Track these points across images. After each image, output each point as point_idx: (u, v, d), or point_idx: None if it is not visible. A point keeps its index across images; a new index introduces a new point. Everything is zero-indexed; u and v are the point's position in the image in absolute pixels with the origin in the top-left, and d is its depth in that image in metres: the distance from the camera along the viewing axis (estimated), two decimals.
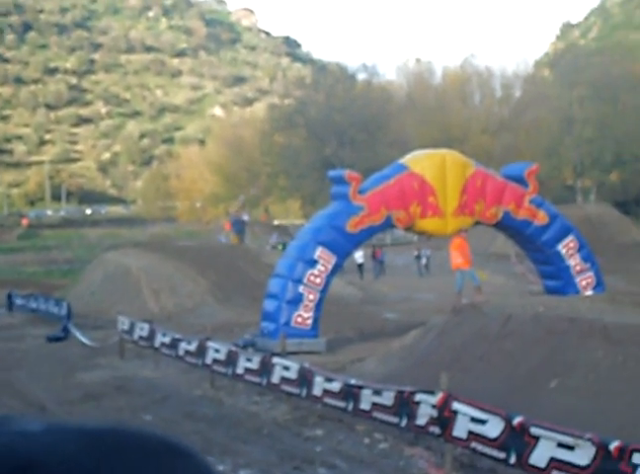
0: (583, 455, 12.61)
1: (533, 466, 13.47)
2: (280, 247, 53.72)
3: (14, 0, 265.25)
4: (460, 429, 15.06)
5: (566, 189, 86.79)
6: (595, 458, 12.44)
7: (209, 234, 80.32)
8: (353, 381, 19.29)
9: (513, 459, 13.92)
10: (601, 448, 12.33)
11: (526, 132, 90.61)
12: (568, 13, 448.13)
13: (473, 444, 14.83)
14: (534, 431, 13.52)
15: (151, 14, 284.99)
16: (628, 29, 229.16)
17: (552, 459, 13.16)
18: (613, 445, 12.17)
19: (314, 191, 76.76)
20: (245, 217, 78.56)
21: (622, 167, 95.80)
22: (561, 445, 13.04)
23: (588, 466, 12.55)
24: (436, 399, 15.65)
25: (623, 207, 78.22)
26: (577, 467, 12.72)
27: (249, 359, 23.34)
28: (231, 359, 23.91)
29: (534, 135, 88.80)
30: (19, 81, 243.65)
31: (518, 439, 13.76)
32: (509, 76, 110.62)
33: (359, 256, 42.95)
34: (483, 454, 14.69)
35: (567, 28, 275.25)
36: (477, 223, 32.33)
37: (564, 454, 12.97)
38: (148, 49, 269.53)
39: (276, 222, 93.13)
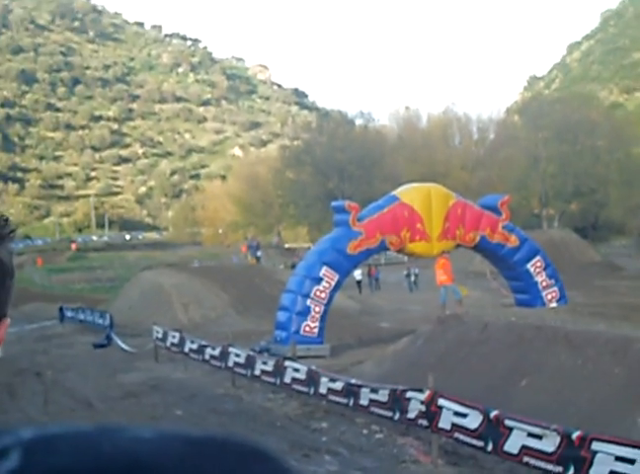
0: (549, 443, 12.58)
1: (507, 453, 13.44)
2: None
3: (64, 59, 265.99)
4: (445, 421, 15.03)
5: (533, 216, 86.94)
6: (559, 446, 12.41)
7: (230, 256, 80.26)
8: (353, 381, 19.26)
9: (490, 447, 13.89)
10: (565, 437, 12.29)
11: (499, 168, 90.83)
12: (534, 67, 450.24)
13: (456, 435, 14.80)
14: (508, 422, 13.50)
15: (180, 70, 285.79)
16: (585, 81, 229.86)
17: (523, 447, 13.13)
18: (575, 435, 12.13)
19: (319, 218, 76.77)
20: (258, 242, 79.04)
21: (581, 198, 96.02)
22: (531, 435, 13.01)
23: (554, 453, 12.51)
24: (424, 396, 15.61)
25: (582, 232, 78.32)
26: (544, 454, 12.68)
27: (265, 363, 23.33)
28: (249, 363, 23.90)
29: (506, 171, 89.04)
30: (69, 127, 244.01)
31: (494, 430, 13.74)
32: (484, 121, 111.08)
33: (357, 274, 42.84)
34: (464, 443, 14.66)
35: (533, 80, 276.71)
36: (458, 246, 32.37)
37: (533, 443, 12.94)
38: (178, 99, 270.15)
39: (286, 246, 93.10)
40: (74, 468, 0.29)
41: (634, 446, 11.20)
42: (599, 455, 11.72)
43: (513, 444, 13.37)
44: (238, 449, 0.34)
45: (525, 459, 13.14)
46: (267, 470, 0.33)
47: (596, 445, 11.82)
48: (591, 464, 11.82)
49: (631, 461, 11.14)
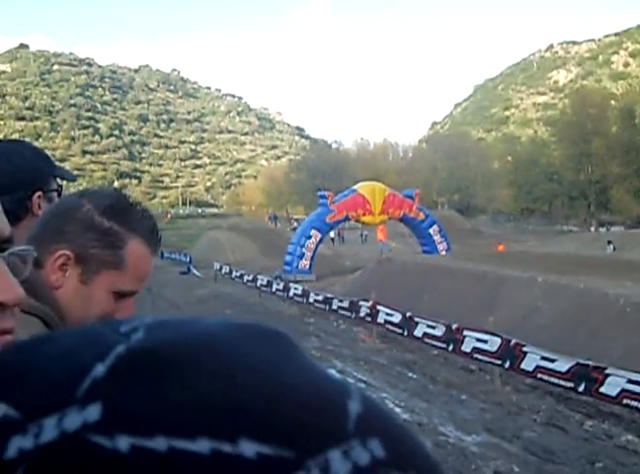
0: (440, 331, 12.73)
1: (416, 337, 13.59)
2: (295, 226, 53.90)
3: (164, 108, 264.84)
4: (381, 318, 15.16)
5: (433, 202, 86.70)
6: (445, 332, 12.57)
7: (259, 223, 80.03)
8: (329, 295, 19.39)
9: (405, 333, 14.04)
10: (448, 328, 12.45)
11: (415, 174, 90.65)
12: (435, 116, 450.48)
13: (387, 326, 14.94)
14: (417, 319, 13.64)
15: (231, 114, 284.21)
16: (464, 125, 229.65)
17: (425, 333, 13.29)
18: (454, 326, 12.29)
19: (311, 201, 76.50)
20: (277, 215, 79.35)
21: (460, 192, 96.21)
22: (429, 326, 13.16)
23: (442, 336, 12.67)
24: (369, 304, 15.75)
25: (460, 212, 78.21)
26: (436, 337, 12.85)
27: (278, 284, 23.45)
28: (269, 284, 24.02)
29: (418, 175, 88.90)
30: (167, 147, 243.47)
31: (408, 323, 13.87)
32: (406, 146, 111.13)
33: (331, 233, 42.62)
34: (392, 331, 14.80)
35: (434, 124, 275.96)
36: (390, 218, 32.39)
37: (430, 330, 13.09)
38: (230, 132, 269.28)
39: (291, 217, 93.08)
40: (174, 337, 0.30)
41: (486, 332, 11.36)
42: (467, 338, 11.89)
43: (419, 331, 13.52)
44: (268, 330, 0.36)
45: (426, 340, 13.29)
46: (286, 343, 0.34)
47: (465, 332, 11.99)
48: (462, 342, 11.99)
49: (485, 341, 11.31)
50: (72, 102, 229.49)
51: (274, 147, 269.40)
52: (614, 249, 34.07)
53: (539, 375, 10.08)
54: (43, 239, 1.19)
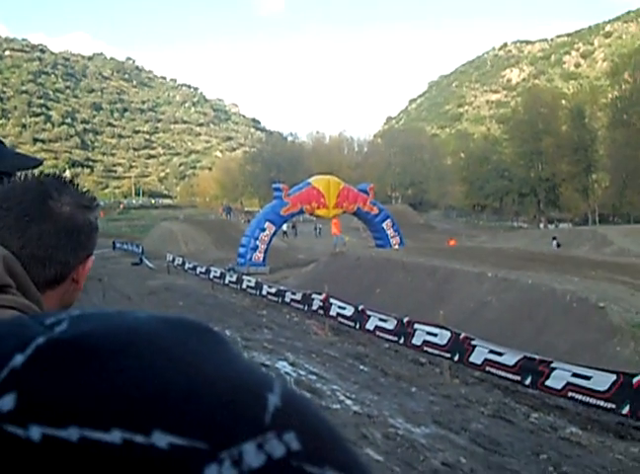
0: (391, 324, 12.81)
1: (368, 330, 13.67)
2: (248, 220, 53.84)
3: (118, 96, 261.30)
4: (333, 311, 15.20)
5: (387, 197, 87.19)
6: (396, 326, 12.66)
7: (213, 214, 79.54)
8: (282, 288, 19.37)
9: (357, 326, 14.11)
10: (399, 321, 12.53)
11: (369, 169, 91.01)
12: (390, 111, 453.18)
13: (339, 319, 14.99)
14: (368, 312, 13.71)
15: (187, 104, 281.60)
16: (418, 121, 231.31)
17: (377, 327, 13.35)
18: (405, 320, 12.39)
19: (265, 194, 76.24)
20: (230, 206, 79.04)
21: (414, 187, 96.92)
22: (381, 320, 13.23)
23: (393, 330, 12.75)
24: (322, 297, 15.77)
25: (414, 206, 79.00)
26: (388, 330, 12.91)
27: (231, 276, 23.32)
28: (222, 276, 23.88)
29: (373, 170, 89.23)
30: (120, 136, 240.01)
31: (360, 316, 13.93)
32: (361, 141, 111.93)
33: (285, 226, 42.52)
34: (344, 324, 14.86)
35: (389, 119, 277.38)
36: (344, 212, 32.48)
37: (382, 324, 13.16)
38: (185, 122, 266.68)
39: (246, 209, 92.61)
40: (96, 329, 0.30)
41: (436, 326, 11.48)
42: (417, 331, 11.99)
43: (370, 324, 13.59)
44: (195, 325, 0.36)
45: (378, 333, 13.37)
46: (212, 338, 0.34)
47: (416, 326, 12.09)
48: (413, 336, 12.10)
49: (435, 334, 11.42)
50: (24, 88, 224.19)
51: (229, 139, 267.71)
52: (559, 245, 34.80)
53: (487, 368, 10.23)
54: (80, 249, 1.21)
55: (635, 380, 7.82)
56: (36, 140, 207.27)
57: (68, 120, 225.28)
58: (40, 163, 1.78)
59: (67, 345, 0.30)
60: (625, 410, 7.94)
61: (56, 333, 0.31)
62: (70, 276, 1.20)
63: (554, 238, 36.86)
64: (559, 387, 8.83)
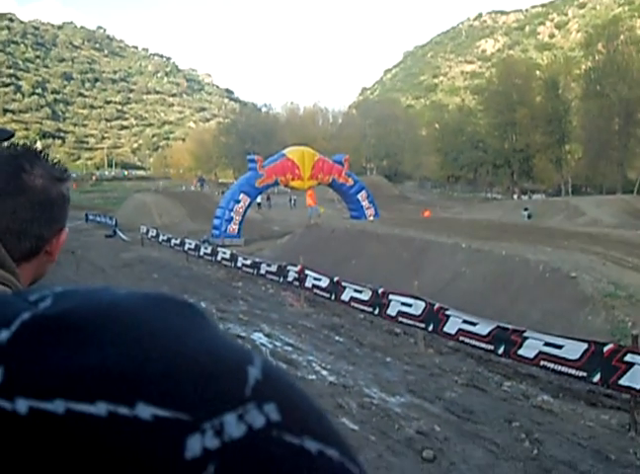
0: (366, 295, 12.87)
1: (343, 301, 13.71)
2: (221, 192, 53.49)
3: (89, 66, 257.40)
4: (309, 283, 15.24)
5: (362, 168, 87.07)
6: (371, 297, 12.72)
7: (187, 186, 79.01)
8: (257, 259, 19.36)
9: (333, 297, 14.17)
10: (374, 292, 12.60)
11: (344, 140, 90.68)
12: (365, 81, 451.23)
13: (315, 291, 15.03)
14: (344, 283, 13.76)
15: (159, 74, 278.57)
16: (393, 91, 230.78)
17: (352, 298, 13.42)
18: (380, 291, 12.45)
19: (240, 165, 75.80)
20: (205, 178, 78.53)
21: (388, 158, 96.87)
22: (356, 291, 13.29)
23: (368, 300, 12.82)
24: (297, 269, 15.79)
25: (389, 178, 79.07)
26: (363, 301, 12.98)
27: (206, 248, 23.22)
28: (197, 248, 23.76)
29: (348, 141, 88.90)
30: (92, 107, 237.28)
31: (336, 288, 13.99)
32: (335, 112, 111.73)
33: (259, 198, 42.28)
34: (319, 295, 14.91)
35: (364, 90, 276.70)
36: (319, 184, 32.43)
37: (357, 295, 13.23)
38: (157, 92, 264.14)
39: (220, 180, 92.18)
40: (79, 305, 0.31)
41: (410, 296, 11.55)
42: (392, 302, 12.06)
43: (346, 296, 13.65)
44: (176, 300, 0.37)
45: (352, 304, 13.44)
46: (193, 313, 0.36)
47: (391, 297, 12.17)
48: (388, 306, 12.17)
49: (410, 305, 11.50)
50: None
51: (202, 109, 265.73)
52: (530, 216, 35.13)
53: (461, 338, 10.33)
54: (53, 222, 1.20)
55: (606, 349, 7.94)
56: (5, 111, 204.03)
57: (39, 91, 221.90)
58: (11, 135, 1.75)
59: (51, 320, 0.30)
60: (596, 378, 8.07)
61: (41, 309, 0.32)
62: (44, 248, 1.19)
63: (525, 209, 37.20)
64: (531, 356, 8.95)
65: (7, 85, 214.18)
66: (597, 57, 63.44)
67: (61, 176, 1.21)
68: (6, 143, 1.25)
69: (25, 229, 1.14)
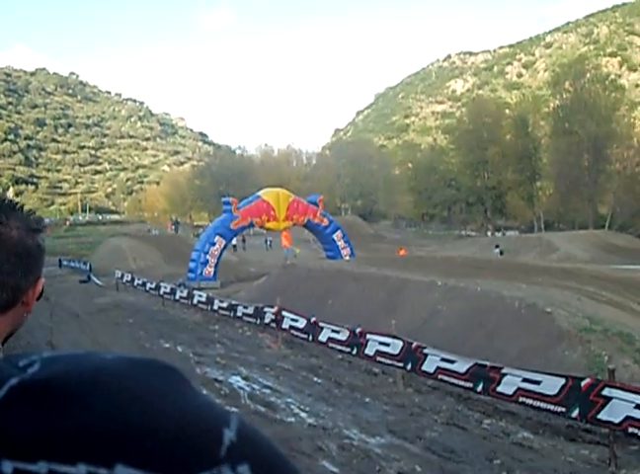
0: (343, 335, 12.84)
1: (320, 341, 13.67)
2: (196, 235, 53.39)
3: (63, 112, 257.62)
4: (286, 324, 15.19)
5: (336, 208, 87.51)
6: (349, 337, 12.68)
7: (162, 229, 78.77)
8: (233, 302, 19.28)
9: (311, 338, 14.11)
10: (352, 332, 12.57)
11: (319, 181, 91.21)
12: (338, 123, 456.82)
13: (292, 331, 14.97)
14: (321, 324, 13.72)
15: (133, 119, 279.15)
16: (366, 132, 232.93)
17: (329, 338, 13.37)
18: (358, 330, 12.42)
19: (215, 207, 75.86)
20: (179, 221, 78.38)
21: (363, 198, 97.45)
22: (334, 331, 13.25)
23: (346, 340, 12.78)
24: (274, 310, 15.74)
25: (363, 217, 79.43)
26: (340, 341, 12.94)
27: (182, 292, 23.10)
28: (173, 292, 23.63)
29: (322, 182, 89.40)
30: (65, 152, 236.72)
31: (313, 328, 13.95)
32: (309, 153, 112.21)
33: (235, 240, 42.22)
34: (297, 336, 14.84)
35: (337, 131, 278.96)
36: (294, 224, 32.52)
37: (335, 335, 13.19)
38: (131, 137, 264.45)
39: (195, 223, 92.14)
40: (65, 370, 0.32)
41: (388, 335, 11.54)
42: (370, 341, 12.04)
43: (323, 336, 13.60)
44: (158, 365, 0.38)
45: (331, 345, 13.39)
46: (174, 377, 0.36)
47: (369, 336, 12.15)
48: (366, 346, 12.14)
49: (387, 344, 11.49)
50: None
51: (176, 153, 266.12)
52: (501, 252, 35.43)
53: (440, 376, 10.32)
54: (30, 272, 1.18)
55: (584, 383, 7.98)
56: None
57: (11, 137, 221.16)
58: None
59: (38, 385, 0.32)
60: (575, 413, 8.09)
61: (29, 374, 0.33)
62: (21, 299, 1.18)
63: (497, 246, 37.53)
64: (510, 393, 8.96)
65: None
66: (564, 95, 64.73)
67: (37, 226, 1.21)
68: None
69: (2, 281, 1.12)
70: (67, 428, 0.29)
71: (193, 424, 0.31)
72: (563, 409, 8.26)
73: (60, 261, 42.26)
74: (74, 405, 0.30)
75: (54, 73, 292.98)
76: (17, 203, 1.21)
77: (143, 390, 0.33)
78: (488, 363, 9.51)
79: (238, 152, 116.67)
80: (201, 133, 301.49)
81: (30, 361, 0.34)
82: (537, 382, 8.61)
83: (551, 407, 8.43)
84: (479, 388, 9.53)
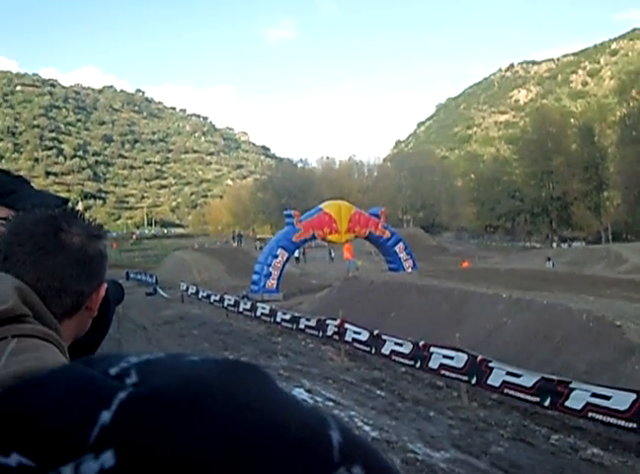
0: (407, 348, 12.75)
1: (383, 354, 13.59)
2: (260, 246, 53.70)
3: (129, 128, 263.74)
4: (348, 336, 15.15)
5: (398, 220, 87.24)
6: (412, 350, 12.59)
7: (225, 242, 79.78)
8: (296, 314, 19.34)
9: (373, 351, 14.04)
10: (415, 345, 12.47)
11: (380, 192, 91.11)
12: (399, 134, 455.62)
13: (354, 344, 14.93)
14: (384, 337, 13.66)
15: (197, 134, 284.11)
16: (427, 143, 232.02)
17: (392, 351, 13.29)
18: (421, 343, 12.32)
19: (277, 221, 76.54)
20: (242, 233, 79.31)
21: (425, 209, 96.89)
22: (397, 344, 13.17)
23: (409, 353, 12.68)
24: (336, 322, 15.73)
25: (425, 229, 78.89)
26: (404, 354, 12.85)
27: (245, 304, 23.30)
28: (236, 304, 23.84)
29: (384, 194, 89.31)
30: (132, 167, 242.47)
31: (376, 341, 13.87)
32: (371, 165, 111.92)
33: (297, 252, 42.44)
34: (359, 349, 14.79)
35: (398, 143, 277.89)
36: (356, 237, 32.54)
37: (398, 348, 13.10)
38: (195, 152, 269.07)
39: (258, 236, 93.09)
40: (170, 383, 0.32)
41: (452, 349, 11.42)
42: (433, 355, 11.92)
43: (386, 349, 13.52)
44: (243, 364, 0.38)
45: (394, 358, 13.30)
46: (259, 376, 0.37)
47: (432, 349, 12.03)
48: (429, 359, 12.03)
49: (452, 357, 11.36)
50: (35, 123, 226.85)
51: (239, 167, 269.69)
52: (553, 265, 34.72)
53: (506, 391, 10.14)
54: (92, 278, 1.22)
55: None
56: (48, 173, 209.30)
57: (80, 153, 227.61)
58: (65, 202, 1.81)
59: (148, 400, 0.31)
60: None
61: (130, 385, 0.32)
62: (85, 304, 1.22)
63: (549, 258, 36.91)
64: (579, 408, 8.75)
65: (50, 148, 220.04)
66: (631, 103, 63.33)
67: (98, 233, 1.25)
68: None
69: (65, 286, 1.17)
70: (193, 443, 0.29)
71: (304, 429, 0.30)
72: (634, 425, 8.02)
73: (127, 273, 43.17)
74: (190, 420, 0.30)
75: (121, 90, 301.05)
76: (78, 211, 1.26)
77: (248, 397, 0.33)
78: (555, 378, 9.31)
79: (300, 165, 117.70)
80: (264, 147, 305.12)
81: (121, 370, 0.34)
82: (607, 397, 8.38)
83: (622, 423, 8.19)
84: (546, 403, 9.33)
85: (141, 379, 0.33)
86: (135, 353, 0.36)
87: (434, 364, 11.90)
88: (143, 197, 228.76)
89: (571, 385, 8.92)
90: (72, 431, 0.30)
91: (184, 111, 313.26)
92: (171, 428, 0.29)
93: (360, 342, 14.71)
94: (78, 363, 0.39)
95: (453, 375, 11.38)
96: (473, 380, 10.83)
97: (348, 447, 0.30)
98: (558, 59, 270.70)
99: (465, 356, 11.04)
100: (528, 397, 9.68)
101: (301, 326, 18.21)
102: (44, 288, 1.14)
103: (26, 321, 1.05)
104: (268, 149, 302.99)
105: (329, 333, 16.30)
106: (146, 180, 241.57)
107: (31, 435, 0.31)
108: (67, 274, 1.17)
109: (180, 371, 0.34)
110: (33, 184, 1.86)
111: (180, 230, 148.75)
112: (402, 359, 13.02)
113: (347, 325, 15.35)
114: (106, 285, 1.29)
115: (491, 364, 10.48)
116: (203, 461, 0.28)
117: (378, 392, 11.96)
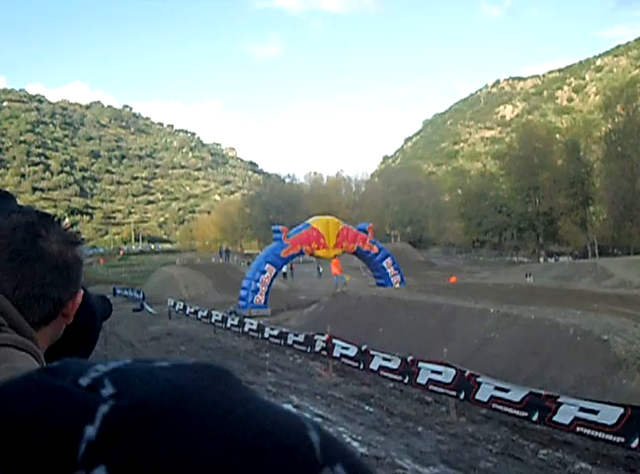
0: (395, 364, 12.74)
1: (372, 370, 13.58)
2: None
3: (116, 144, 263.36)
4: (337, 352, 15.13)
5: (386, 235, 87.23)
6: (400, 365, 12.58)
7: (213, 258, 79.60)
8: (284, 329, 19.31)
9: (362, 366, 14.02)
10: (404, 360, 12.47)
11: (368, 208, 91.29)
12: (386, 150, 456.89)
13: (343, 360, 14.91)
14: (372, 352, 13.65)
15: (184, 150, 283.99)
16: (414, 159, 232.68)
17: (381, 366, 13.29)
18: (409, 359, 12.32)
19: (265, 236, 76.47)
20: (229, 249, 79.20)
21: (412, 225, 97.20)
22: (385, 359, 13.17)
23: (397, 369, 12.68)
24: (324, 338, 15.72)
25: (413, 244, 79.10)
26: (392, 370, 12.85)
27: (233, 320, 23.24)
28: (224, 319, 23.78)
29: (371, 209, 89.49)
30: (119, 183, 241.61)
31: (364, 356, 13.87)
32: (358, 180, 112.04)
33: (285, 268, 42.41)
34: (348, 365, 14.78)
35: (385, 158, 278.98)
36: (344, 252, 32.53)
37: (386, 363, 13.09)
38: (183, 167, 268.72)
39: (245, 251, 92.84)
40: (149, 394, 0.31)
41: (441, 364, 11.42)
42: (422, 370, 11.93)
43: (375, 364, 13.52)
44: (214, 368, 0.38)
45: (382, 373, 13.30)
46: (232, 380, 0.37)
47: (420, 364, 12.04)
48: (418, 374, 12.03)
49: (440, 373, 11.37)
50: (22, 138, 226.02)
51: (227, 182, 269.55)
52: (534, 280, 34.98)
53: (494, 405, 10.15)
54: (70, 284, 1.21)
55: None
56: (35, 189, 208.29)
57: (67, 169, 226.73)
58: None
59: (133, 412, 0.30)
60: (634, 443, 7.87)
61: (112, 399, 0.31)
62: (62, 311, 1.22)
63: (529, 274, 37.26)
64: (567, 422, 8.76)
65: (36, 164, 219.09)
66: (616, 119, 63.86)
67: (75, 239, 1.25)
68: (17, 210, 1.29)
69: (43, 293, 1.16)
70: (183, 453, 0.28)
71: (286, 432, 0.31)
72: (622, 439, 8.04)
73: (114, 289, 42.98)
74: (176, 430, 0.29)
75: (109, 106, 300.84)
76: (55, 217, 1.25)
77: (230, 402, 0.34)
78: (543, 392, 9.33)
79: (288, 181, 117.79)
80: (252, 163, 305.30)
81: (93, 380, 0.33)
82: (595, 412, 8.41)
83: (610, 437, 8.22)
84: (535, 417, 9.34)
85: (119, 391, 0.32)
86: (101, 360, 0.35)
87: (422, 380, 11.90)
88: (130, 213, 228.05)
89: (559, 400, 8.94)
90: (57, 449, 0.29)
91: (171, 126, 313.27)
92: (162, 438, 0.29)
93: (348, 357, 14.70)
94: (41, 373, 0.36)
95: (442, 390, 11.38)
96: (461, 395, 10.84)
97: (327, 447, 0.30)
98: (544, 75, 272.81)
99: (453, 371, 11.05)
100: (517, 412, 9.69)
101: (289, 342, 18.18)
102: (23, 296, 1.14)
103: (1, 330, 1.05)
104: (255, 165, 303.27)
105: (317, 348, 16.29)
106: (134, 195, 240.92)
107: (11, 456, 0.30)
108: (46, 281, 1.17)
109: (156, 380, 0.33)
110: (19, 200, 1.85)
111: (167, 246, 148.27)
112: (390, 375, 13.01)
113: (335, 340, 15.33)
114: (82, 293, 1.27)
115: (479, 379, 10.49)
116: (198, 469, 0.28)
117: (367, 408, 11.94)
